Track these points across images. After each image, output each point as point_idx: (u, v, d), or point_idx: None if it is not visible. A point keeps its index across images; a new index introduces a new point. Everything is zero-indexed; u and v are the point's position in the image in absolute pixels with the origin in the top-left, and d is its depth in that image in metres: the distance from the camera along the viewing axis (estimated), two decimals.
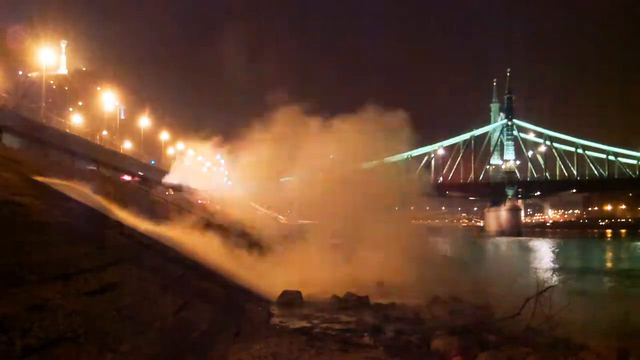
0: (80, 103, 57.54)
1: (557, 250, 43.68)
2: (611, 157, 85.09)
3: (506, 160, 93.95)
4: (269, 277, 11.88)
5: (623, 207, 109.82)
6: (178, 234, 12.20)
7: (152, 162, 62.40)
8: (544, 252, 40.42)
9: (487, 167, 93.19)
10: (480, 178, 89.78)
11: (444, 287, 11.17)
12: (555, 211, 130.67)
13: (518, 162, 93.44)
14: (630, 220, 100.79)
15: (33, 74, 47.14)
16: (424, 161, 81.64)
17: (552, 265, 27.95)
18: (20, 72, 48.96)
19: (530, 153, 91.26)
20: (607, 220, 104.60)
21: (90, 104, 55.81)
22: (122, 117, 63.45)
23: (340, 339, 7.04)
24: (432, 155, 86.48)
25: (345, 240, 15.94)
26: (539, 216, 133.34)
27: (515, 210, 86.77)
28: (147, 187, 32.06)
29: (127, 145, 59.05)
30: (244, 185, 20.94)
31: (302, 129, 17.64)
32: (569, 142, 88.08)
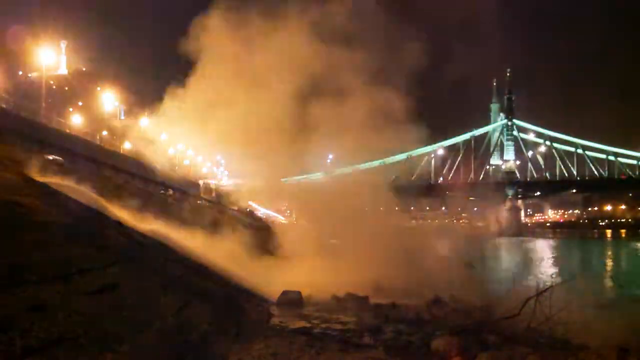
0: (80, 103, 57.47)
1: (557, 250, 43.64)
2: (611, 157, 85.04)
3: (506, 160, 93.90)
4: (269, 277, 11.87)
5: (623, 207, 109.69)
6: None
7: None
8: (544, 253, 40.40)
9: (487, 167, 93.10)
10: (480, 178, 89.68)
11: (444, 287, 11.15)
12: (555, 211, 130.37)
13: (518, 162, 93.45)
14: (630, 220, 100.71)
15: (33, 74, 47.06)
16: (424, 161, 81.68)
17: (552, 265, 27.94)
18: (20, 72, 48.90)
19: (530, 153, 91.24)
20: (607, 221, 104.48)
21: (90, 104, 55.75)
22: (122, 117, 63.37)
23: (340, 339, 7.04)
24: (432, 155, 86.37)
25: (342, 241, 15.93)
26: (539, 216, 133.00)
27: (515, 211, 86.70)
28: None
29: (127, 146, 58.99)
30: (246, 185, 21.00)
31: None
32: (569, 142, 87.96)
